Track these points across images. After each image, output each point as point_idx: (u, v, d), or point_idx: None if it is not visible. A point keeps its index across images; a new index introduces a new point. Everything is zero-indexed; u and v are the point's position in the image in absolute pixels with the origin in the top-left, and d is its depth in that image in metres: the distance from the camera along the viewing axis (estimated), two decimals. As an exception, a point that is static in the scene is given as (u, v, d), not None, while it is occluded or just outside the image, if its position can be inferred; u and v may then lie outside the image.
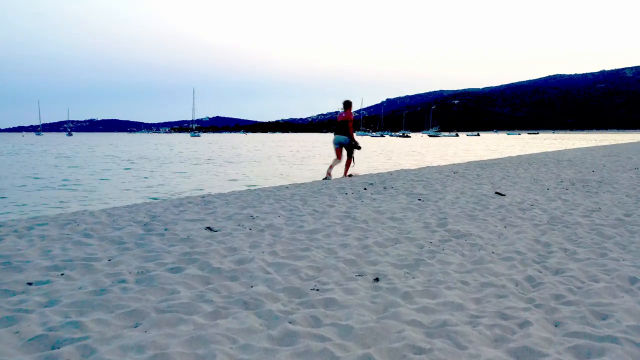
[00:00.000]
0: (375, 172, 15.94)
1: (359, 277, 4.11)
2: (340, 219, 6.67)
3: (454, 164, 17.82)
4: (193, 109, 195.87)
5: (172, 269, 4.29)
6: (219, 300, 3.54)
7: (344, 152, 13.02)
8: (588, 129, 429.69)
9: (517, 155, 25.38)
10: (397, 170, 14.65)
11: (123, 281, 3.92)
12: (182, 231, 5.88)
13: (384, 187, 10.19)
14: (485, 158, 24.91)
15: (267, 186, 12.29)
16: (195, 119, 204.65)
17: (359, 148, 12.47)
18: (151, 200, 11.47)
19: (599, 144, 51.16)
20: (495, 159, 21.53)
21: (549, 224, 6.34)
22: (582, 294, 3.73)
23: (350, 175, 12.48)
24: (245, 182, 17.16)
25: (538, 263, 4.57)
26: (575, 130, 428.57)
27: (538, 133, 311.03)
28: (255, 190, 10.49)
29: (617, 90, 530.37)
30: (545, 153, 26.56)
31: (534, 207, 7.59)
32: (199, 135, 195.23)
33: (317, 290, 3.78)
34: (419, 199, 8.41)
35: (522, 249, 5.00)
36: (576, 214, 6.98)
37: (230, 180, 18.46)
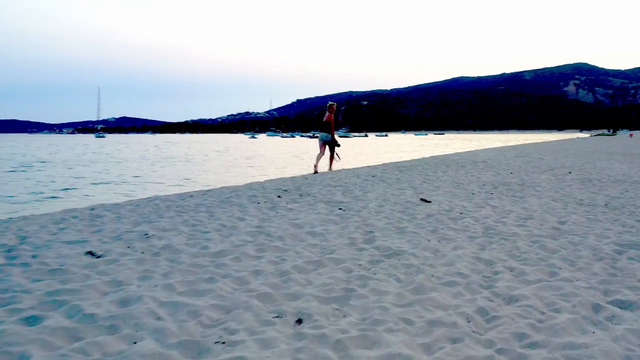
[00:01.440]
0: (289, 176, 15.18)
1: (277, 319, 3.28)
2: (252, 236, 5.81)
3: (369, 167, 17.40)
4: (98, 109, 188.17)
5: (27, 319, 3.24)
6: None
7: (327, 148, 15.17)
8: (490, 129, 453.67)
9: (432, 156, 25.57)
10: (311, 174, 13.95)
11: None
12: (55, 258, 4.78)
13: (300, 195, 9.42)
14: (400, 159, 24.89)
15: (169, 194, 11.15)
16: (100, 119, 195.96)
17: (338, 145, 14.64)
18: (30, 214, 10.03)
19: (506, 144, 53.55)
20: (411, 161, 21.42)
21: (485, 235, 5.83)
22: (547, 331, 3.14)
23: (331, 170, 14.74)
24: (147, 189, 15.83)
25: (486, 288, 3.97)
26: (479, 130, 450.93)
27: (444, 133, 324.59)
28: (155, 199, 9.36)
29: (517, 92, 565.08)
30: (459, 154, 27.00)
31: (464, 215, 7.10)
32: (103, 136, 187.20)
33: (223, 343, 2.93)
34: (340, 209, 7.71)
35: (464, 270, 4.39)
36: (510, 223, 6.55)
37: (131, 187, 17.03)
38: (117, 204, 9.17)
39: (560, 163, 18.37)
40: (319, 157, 14.44)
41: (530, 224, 6.52)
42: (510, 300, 3.70)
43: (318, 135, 14.94)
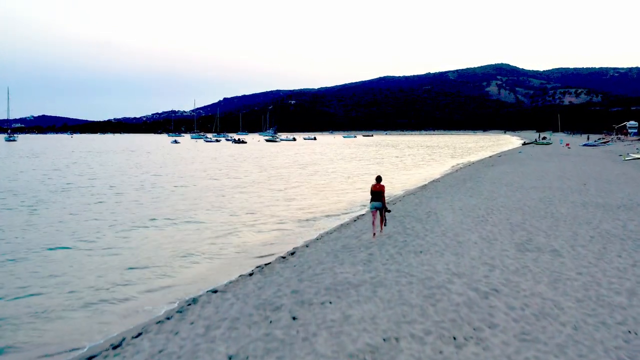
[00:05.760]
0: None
1: None
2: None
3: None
4: (8, 108, 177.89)
5: None
6: None
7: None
8: (417, 130, 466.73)
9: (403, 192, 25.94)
10: (371, 238, 13.78)
11: None
12: None
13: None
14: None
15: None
16: (12, 118, 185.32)
17: (389, 211, 15.74)
18: None
19: (456, 157, 54.98)
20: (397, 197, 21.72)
21: None
22: None
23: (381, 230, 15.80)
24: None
25: None
26: (406, 130, 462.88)
27: (372, 135, 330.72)
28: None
29: (442, 92, 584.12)
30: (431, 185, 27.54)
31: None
32: (14, 139, 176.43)
33: None
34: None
35: None
36: None
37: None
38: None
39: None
40: (374, 223, 15.64)
41: None
42: None
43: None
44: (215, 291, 11.64)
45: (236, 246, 17.36)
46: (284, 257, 14.84)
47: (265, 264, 14.18)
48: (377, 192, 15.25)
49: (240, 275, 13.23)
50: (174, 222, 21.50)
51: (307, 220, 22.29)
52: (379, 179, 15.62)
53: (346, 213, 23.88)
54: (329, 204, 26.80)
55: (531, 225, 15.78)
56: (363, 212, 23.81)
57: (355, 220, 20.74)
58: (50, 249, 16.61)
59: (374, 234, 15.60)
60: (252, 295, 10.34)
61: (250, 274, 13.11)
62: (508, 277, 10.12)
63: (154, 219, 22.02)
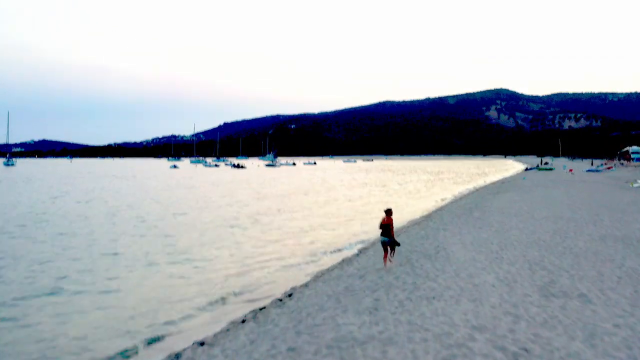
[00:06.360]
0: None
1: None
2: None
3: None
4: (7, 132, 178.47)
5: None
6: None
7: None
8: (418, 154, 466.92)
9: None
10: (382, 268, 12.41)
11: None
12: None
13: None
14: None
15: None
16: (13, 142, 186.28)
17: (398, 244, 15.47)
18: None
19: (459, 184, 53.65)
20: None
21: None
22: None
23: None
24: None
25: None
26: (406, 154, 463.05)
27: (372, 160, 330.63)
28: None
29: (441, 116, 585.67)
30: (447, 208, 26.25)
31: None
32: (13, 164, 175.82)
33: None
34: None
35: None
36: None
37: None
38: None
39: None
40: (385, 257, 15.56)
41: None
42: None
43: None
44: (202, 343, 10.33)
45: (230, 281, 16.08)
46: (280, 300, 13.52)
47: (260, 309, 12.86)
48: (386, 225, 14.90)
49: (231, 322, 11.92)
50: (160, 262, 19.85)
51: (306, 253, 20.97)
52: (388, 212, 15.18)
53: (348, 247, 22.53)
54: (330, 236, 25.50)
55: (551, 263, 14.50)
56: (364, 244, 22.55)
57: (357, 255, 19.44)
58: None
59: (385, 264, 15.40)
60: (243, 353, 9.03)
61: (243, 321, 11.81)
62: (537, 332, 8.82)
63: (138, 260, 20.38)
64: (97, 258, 19.88)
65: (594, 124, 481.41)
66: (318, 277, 16.26)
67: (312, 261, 19.48)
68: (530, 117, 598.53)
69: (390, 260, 15.52)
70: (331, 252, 21.18)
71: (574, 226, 21.96)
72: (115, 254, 20.71)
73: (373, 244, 21.71)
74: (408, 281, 12.85)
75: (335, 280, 14.75)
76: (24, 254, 20.42)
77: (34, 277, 16.71)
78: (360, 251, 20.46)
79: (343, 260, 18.75)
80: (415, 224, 26.56)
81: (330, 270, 17.17)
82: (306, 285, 15.11)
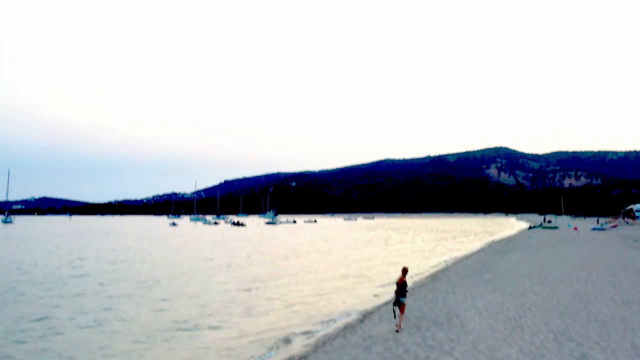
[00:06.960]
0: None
1: None
2: None
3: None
4: (7, 189, 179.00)
5: None
6: None
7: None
8: (418, 212, 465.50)
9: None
10: (395, 332, 10.95)
11: None
12: None
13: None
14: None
15: None
16: (13, 199, 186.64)
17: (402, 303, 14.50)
18: None
19: (463, 242, 51.90)
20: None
21: None
22: None
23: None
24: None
25: None
26: (407, 212, 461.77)
27: (374, 218, 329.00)
28: None
29: (441, 175, 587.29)
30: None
31: None
32: (11, 222, 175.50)
33: None
34: None
35: None
36: None
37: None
38: None
39: None
40: (399, 317, 14.99)
41: None
42: None
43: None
44: None
45: (222, 354, 14.62)
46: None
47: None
48: (403, 284, 14.46)
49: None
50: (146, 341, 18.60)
51: (305, 318, 19.44)
52: (405, 271, 14.70)
53: (350, 313, 21.00)
54: (332, 299, 23.98)
55: (577, 333, 13.11)
56: (367, 307, 21.06)
57: (361, 321, 17.93)
58: None
59: (397, 329, 14.74)
60: None
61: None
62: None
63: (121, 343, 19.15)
64: (77, 329, 18.45)
65: (594, 182, 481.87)
66: (318, 347, 14.77)
67: (312, 329, 17.95)
68: (531, 175, 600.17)
69: (398, 326, 14.56)
70: (333, 318, 19.64)
71: (592, 289, 20.57)
72: (99, 323, 19.29)
73: (378, 308, 20.26)
74: (420, 355, 11.46)
75: (338, 351, 13.30)
76: None
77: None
78: (365, 316, 18.96)
79: (346, 327, 17.23)
80: (422, 286, 25.09)
81: (332, 338, 15.68)
82: (305, 357, 13.63)
